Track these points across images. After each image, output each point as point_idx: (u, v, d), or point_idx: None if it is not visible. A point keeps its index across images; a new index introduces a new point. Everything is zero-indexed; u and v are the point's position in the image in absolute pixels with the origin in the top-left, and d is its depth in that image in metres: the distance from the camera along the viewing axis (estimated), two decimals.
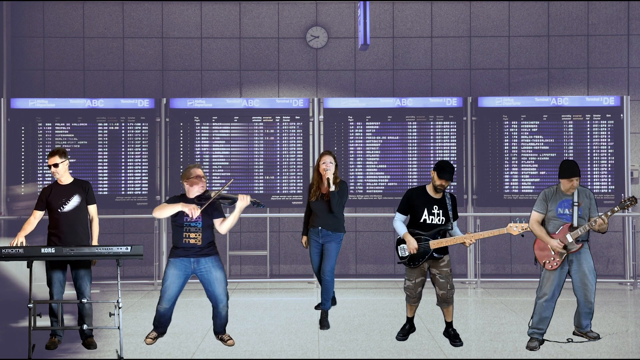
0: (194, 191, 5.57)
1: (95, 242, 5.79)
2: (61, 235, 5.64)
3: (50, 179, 9.03)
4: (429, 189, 5.64)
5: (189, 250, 5.48)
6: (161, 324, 5.64)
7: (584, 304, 5.59)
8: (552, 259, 5.53)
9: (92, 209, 5.82)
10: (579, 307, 5.65)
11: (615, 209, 5.44)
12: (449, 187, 9.00)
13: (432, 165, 9.03)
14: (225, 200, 5.55)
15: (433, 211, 5.58)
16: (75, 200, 5.72)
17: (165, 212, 5.43)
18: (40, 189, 8.90)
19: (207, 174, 9.23)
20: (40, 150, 9.16)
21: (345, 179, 9.21)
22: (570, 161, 5.62)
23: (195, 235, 5.47)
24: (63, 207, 5.68)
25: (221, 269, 5.56)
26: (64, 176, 5.76)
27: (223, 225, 5.55)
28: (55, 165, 5.70)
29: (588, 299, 5.57)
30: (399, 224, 5.68)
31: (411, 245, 5.50)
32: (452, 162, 9.12)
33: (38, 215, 5.78)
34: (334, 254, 6.18)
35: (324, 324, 6.21)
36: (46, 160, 9.07)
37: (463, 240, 5.53)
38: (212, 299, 5.57)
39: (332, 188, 6.13)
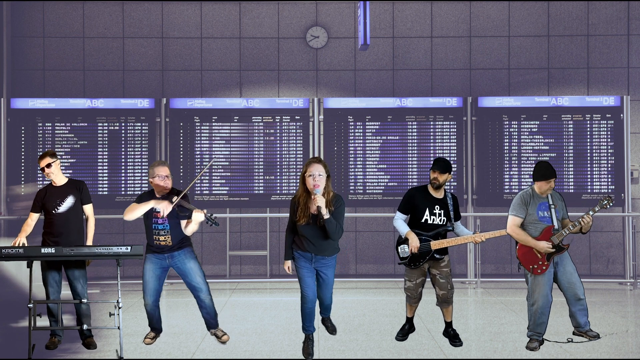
0: (160, 188, 5.52)
1: (90, 242, 5.75)
2: (55, 235, 5.64)
3: (47, 180, 9.02)
4: (431, 188, 5.62)
5: (162, 249, 5.52)
6: (153, 322, 5.65)
7: (575, 302, 5.58)
8: (540, 263, 5.49)
9: (88, 208, 5.81)
10: (571, 307, 5.63)
11: (596, 208, 5.45)
12: (448, 186, 9.06)
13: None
14: (183, 210, 5.43)
15: (435, 211, 5.56)
16: (69, 201, 5.71)
17: (136, 212, 5.41)
18: (41, 187, 8.94)
19: (207, 174, 9.23)
20: (40, 150, 9.15)
21: (345, 179, 9.21)
22: (545, 162, 5.56)
23: (165, 237, 5.48)
24: (57, 208, 5.68)
25: (194, 259, 5.60)
26: (58, 177, 5.76)
27: (187, 229, 5.52)
28: (48, 166, 5.70)
29: (578, 297, 5.56)
30: (400, 222, 5.63)
31: (413, 243, 5.46)
32: (452, 162, 9.12)
33: (34, 218, 5.79)
34: (332, 280, 5.26)
35: (333, 328, 5.69)
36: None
37: (473, 239, 5.50)
38: (192, 288, 5.60)
39: (326, 216, 4.92)
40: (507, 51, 10.22)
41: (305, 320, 5.21)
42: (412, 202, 5.59)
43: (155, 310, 5.61)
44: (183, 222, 5.53)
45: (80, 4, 10.13)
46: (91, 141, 9.19)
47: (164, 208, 5.36)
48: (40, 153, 9.07)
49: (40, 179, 9.10)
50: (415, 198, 5.59)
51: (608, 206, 5.52)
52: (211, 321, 5.71)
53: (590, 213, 5.44)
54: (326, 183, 5.02)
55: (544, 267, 5.48)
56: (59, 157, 5.87)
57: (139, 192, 9.17)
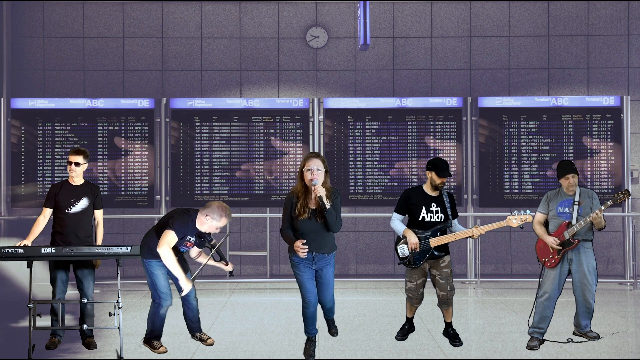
0: (204, 228, 5.33)
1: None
2: (65, 235, 5.64)
3: (49, 179, 9.03)
4: (426, 187, 5.60)
5: None
6: (162, 329, 5.53)
7: (582, 303, 5.62)
8: (551, 256, 5.60)
9: (99, 213, 5.82)
10: (577, 306, 5.68)
11: (609, 202, 5.51)
12: (448, 186, 9.05)
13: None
14: (217, 255, 5.47)
15: (431, 209, 5.55)
16: (83, 203, 5.71)
17: (167, 263, 5.19)
18: (41, 187, 8.95)
19: (207, 174, 9.23)
20: (40, 150, 9.16)
21: (345, 179, 9.22)
22: (564, 161, 5.75)
23: (181, 256, 5.46)
24: (70, 208, 5.67)
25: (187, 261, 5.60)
26: (79, 177, 5.75)
27: (197, 257, 5.59)
28: (77, 164, 5.69)
29: (586, 299, 5.59)
30: (397, 222, 5.62)
31: (412, 240, 5.45)
32: (451, 162, 9.12)
33: (47, 213, 5.74)
34: (333, 280, 5.19)
35: (335, 330, 5.53)
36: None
37: (471, 234, 5.49)
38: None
39: (328, 205, 4.87)
40: (507, 51, 10.22)
41: (308, 324, 5.16)
42: (408, 202, 5.58)
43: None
44: (196, 250, 5.53)
45: (80, 4, 10.13)
46: (91, 141, 9.19)
47: (185, 286, 5.27)
48: (39, 152, 9.14)
49: (40, 178, 9.10)
50: (411, 198, 5.58)
51: (623, 200, 5.56)
52: (196, 325, 5.62)
53: (602, 208, 5.48)
54: (324, 179, 4.94)
55: (553, 261, 5.57)
56: (88, 161, 5.84)
57: (139, 192, 9.16)
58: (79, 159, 5.70)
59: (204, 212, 5.26)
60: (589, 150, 9.21)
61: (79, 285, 5.67)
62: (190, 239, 5.33)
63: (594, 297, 5.62)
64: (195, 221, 5.30)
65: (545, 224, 5.74)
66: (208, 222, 5.26)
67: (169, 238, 5.16)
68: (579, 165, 9.16)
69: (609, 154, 9.19)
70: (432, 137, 9.27)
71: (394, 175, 9.26)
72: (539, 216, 5.74)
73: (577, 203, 5.59)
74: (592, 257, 5.62)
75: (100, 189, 8.97)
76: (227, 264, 5.45)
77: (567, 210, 5.61)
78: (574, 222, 5.55)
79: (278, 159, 9.26)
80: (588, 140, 9.22)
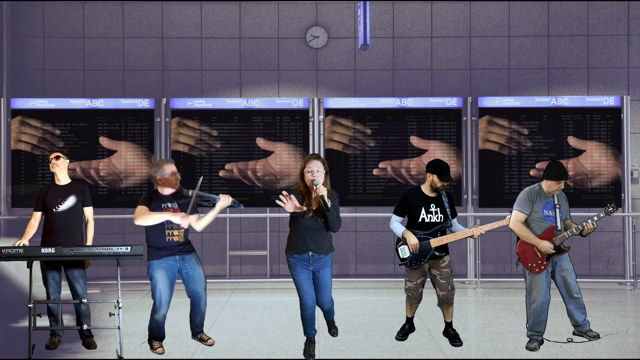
0: (169, 189, 5.38)
1: (89, 244, 5.75)
2: (55, 234, 5.63)
3: (50, 179, 9.03)
4: (425, 188, 5.60)
5: (173, 249, 5.32)
6: (161, 332, 5.48)
7: (570, 299, 5.61)
8: (540, 262, 5.48)
9: (88, 211, 5.82)
10: (567, 304, 5.65)
11: (601, 215, 5.42)
12: (448, 186, 9.05)
13: None
14: (205, 202, 5.41)
15: (431, 210, 5.55)
16: (70, 201, 5.72)
17: (150, 220, 5.20)
18: (41, 187, 8.95)
19: (207, 174, 9.23)
20: (40, 150, 9.15)
21: (345, 179, 9.22)
22: (559, 162, 5.53)
23: (178, 232, 5.33)
24: (58, 207, 5.68)
25: (201, 266, 5.49)
26: (62, 174, 5.76)
27: (200, 223, 5.42)
28: (57, 158, 5.71)
29: (573, 296, 5.59)
30: (396, 224, 5.61)
31: (411, 242, 5.46)
32: (451, 162, 9.12)
33: (38, 217, 5.78)
34: (330, 281, 5.18)
35: (335, 331, 5.55)
36: (48, 159, 9.08)
37: (471, 233, 5.49)
38: (194, 296, 5.44)
39: (329, 204, 4.91)
40: (507, 51, 10.22)
41: (307, 325, 5.17)
42: (407, 203, 5.58)
43: (164, 319, 5.44)
44: (193, 219, 5.34)
45: (80, 4, 10.14)
46: (91, 141, 9.19)
47: (182, 221, 5.22)
48: (39, 152, 9.15)
49: (40, 178, 9.10)
50: (409, 199, 5.58)
51: (612, 214, 5.51)
52: (199, 328, 5.58)
53: (595, 219, 5.42)
54: (325, 180, 4.97)
55: (543, 267, 5.48)
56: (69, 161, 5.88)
57: (139, 192, 9.17)
58: (58, 153, 5.76)
59: (154, 178, 5.39)
60: (588, 150, 9.21)
61: (71, 286, 5.66)
62: (168, 205, 5.32)
63: (579, 291, 5.62)
64: (159, 192, 5.37)
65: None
66: (163, 180, 5.35)
67: (137, 210, 5.24)
68: (579, 166, 9.17)
69: (609, 154, 9.19)
70: (432, 137, 9.26)
71: (394, 175, 9.25)
72: (521, 216, 5.49)
73: (558, 206, 5.50)
74: (567, 255, 5.61)
75: (100, 189, 9.08)
76: (218, 200, 5.35)
77: (551, 213, 5.50)
78: (559, 226, 5.47)
79: (278, 159, 9.25)
80: (588, 140, 9.22)
